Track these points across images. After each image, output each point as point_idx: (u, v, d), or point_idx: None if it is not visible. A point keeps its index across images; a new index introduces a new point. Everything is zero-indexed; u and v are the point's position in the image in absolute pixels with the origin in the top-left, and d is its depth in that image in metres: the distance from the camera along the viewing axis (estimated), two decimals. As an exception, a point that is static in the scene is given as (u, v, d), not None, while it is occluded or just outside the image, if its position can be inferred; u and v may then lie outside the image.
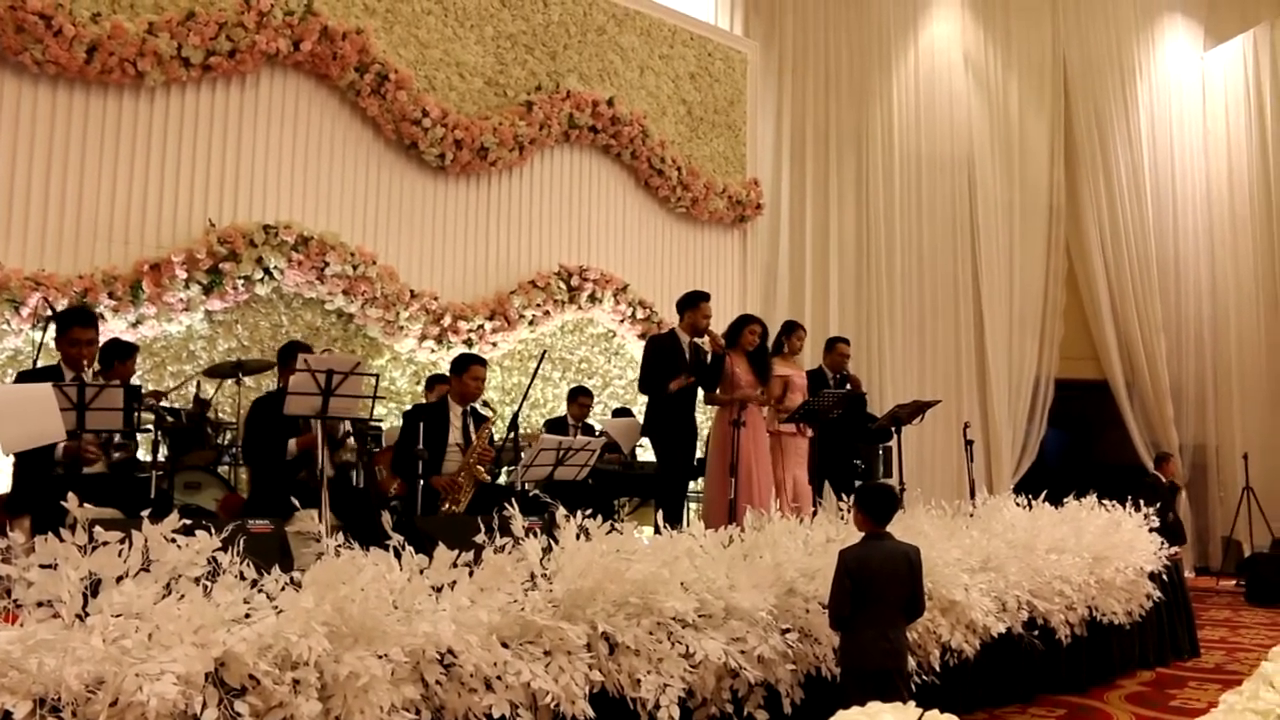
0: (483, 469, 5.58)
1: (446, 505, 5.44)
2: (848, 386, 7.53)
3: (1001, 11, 12.39)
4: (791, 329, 6.94)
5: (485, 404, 6.06)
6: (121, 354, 5.78)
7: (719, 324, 6.56)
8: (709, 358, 6.43)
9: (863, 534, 3.80)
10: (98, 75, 6.59)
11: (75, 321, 4.94)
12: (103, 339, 5.52)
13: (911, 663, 4.24)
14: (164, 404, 6.19)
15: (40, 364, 5.52)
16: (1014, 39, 12.41)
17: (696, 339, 6.55)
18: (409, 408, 6.92)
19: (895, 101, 11.67)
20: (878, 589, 3.63)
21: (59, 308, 6.04)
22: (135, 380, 6.17)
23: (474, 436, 5.68)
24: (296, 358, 5.17)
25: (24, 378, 4.87)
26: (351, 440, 5.44)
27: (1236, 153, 12.50)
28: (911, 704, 1.44)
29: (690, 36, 9.95)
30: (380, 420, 6.94)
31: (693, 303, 6.55)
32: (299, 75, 7.54)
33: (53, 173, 6.54)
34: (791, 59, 11.30)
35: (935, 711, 1.41)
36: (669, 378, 6.36)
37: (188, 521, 2.82)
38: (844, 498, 4.94)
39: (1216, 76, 12.94)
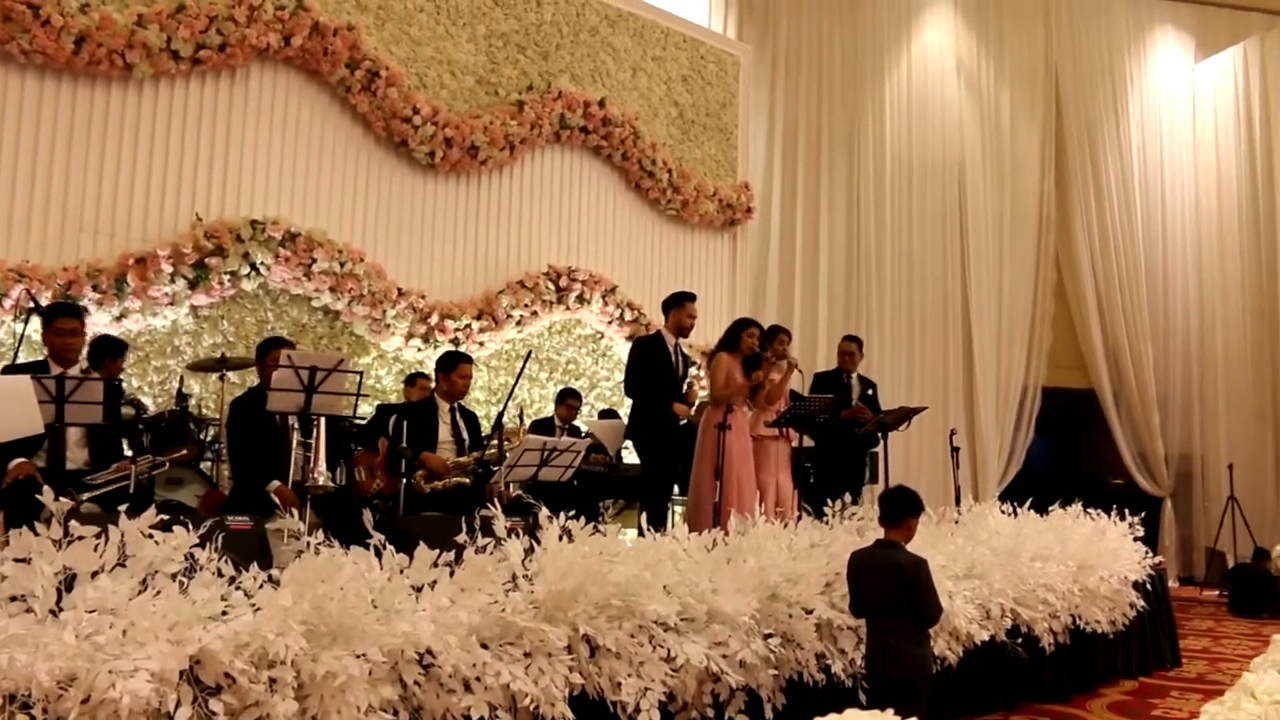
0: (465, 478, 5.57)
1: (423, 480, 5.45)
2: (869, 391, 7.60)
3: (995, 20, 12.39)
4: (774, 334, 6.89)
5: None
6: (112, 351, 5.76)
7: (707, 327, 6.55)
8: (682, 367, 6.46)
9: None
10: (85, 66, 6.54)
11: (60, 312, 4.95)
12: (87, 333, 5.48)
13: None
14: (144, 417, 6.11)
15: (22, 357, 5.47)
16: (1007, 48, 12.41)
17: (682, 337, 6.55)
18: (382, 404, 6.89)
19: (887, 108, 11.69)
20: (869, 595, 3.68)
21: (42, 301, 5.99)
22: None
23: (464, 434, 5.70)
24: (269, 354, 5.16)
25: (8, 371, 4.82)
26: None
27: (1225, 165, 12.52)
28: (889, 712, 1.42)
29: (683, 39, 9.93)
30: (361, 418, 6.90)
31: (678, 302, 6.54)
32: (289, 70, 7.49)
33: (38, 164, 6.47)
34: (784, 63, 11.33)
35: None
36: (655, 381, 6.34)
37: (166, 517, 2.80)
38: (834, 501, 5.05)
39: (1206, 89, 12.97)
